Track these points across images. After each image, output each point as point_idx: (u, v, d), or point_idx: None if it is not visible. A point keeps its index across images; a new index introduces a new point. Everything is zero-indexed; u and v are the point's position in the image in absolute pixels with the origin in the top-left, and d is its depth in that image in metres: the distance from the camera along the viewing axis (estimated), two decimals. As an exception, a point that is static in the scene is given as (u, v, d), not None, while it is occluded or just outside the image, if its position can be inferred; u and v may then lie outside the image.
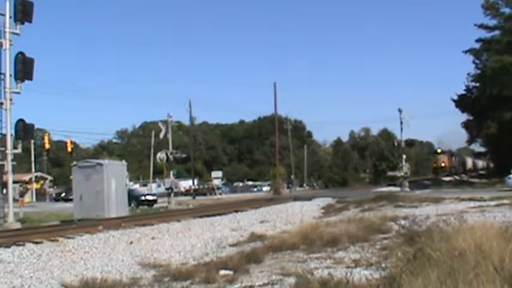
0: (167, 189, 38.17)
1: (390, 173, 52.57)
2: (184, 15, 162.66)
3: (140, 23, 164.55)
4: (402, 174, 41.15)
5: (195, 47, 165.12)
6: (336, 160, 75.45)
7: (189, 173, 67.67)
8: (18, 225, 18.73)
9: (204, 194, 58.38)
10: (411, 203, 19.84)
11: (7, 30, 19.63)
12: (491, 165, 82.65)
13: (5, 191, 19.81)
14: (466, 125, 59.16)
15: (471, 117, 55.55)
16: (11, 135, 19.96)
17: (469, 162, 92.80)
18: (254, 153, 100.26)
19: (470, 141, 66.74)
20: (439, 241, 6.74)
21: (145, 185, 63.69)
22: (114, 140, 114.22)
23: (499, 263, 5.03)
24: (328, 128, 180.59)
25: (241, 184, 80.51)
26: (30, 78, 20.09)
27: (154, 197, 38.52)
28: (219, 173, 70.09)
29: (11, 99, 19.74)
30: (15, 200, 22.97)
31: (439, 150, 71.00)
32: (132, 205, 31.70)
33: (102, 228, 14.19)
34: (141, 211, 30.86)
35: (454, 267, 5.01)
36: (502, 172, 39.11)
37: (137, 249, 11.78)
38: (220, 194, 61.20)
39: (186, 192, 56.47)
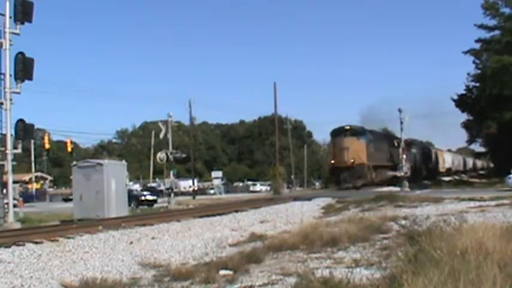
0: (167, 189, 38.18)
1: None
2: (185, 15, 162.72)
3: (140, 23, 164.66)
4: (402, 174, 41.07)
5: (195, 47, 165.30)
6: (336, 160, 75.27)
7: (189, 173, 67.69)
8: (18, 225, 18.73)
9: (201, 194, 58.38)
10: (411, 203, 19.81)
11: (7, 30, 19.62)
12: (491, 165, 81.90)
13: (5, 191, 19.80)
14: (466, 125, 59.14)
15: (471, 117, 55.53)
16: (11, 135, 19.95)
17: (446, 159, 68.62)
18: (254, 153, 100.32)
19: (470, 141, 66.70)
20: (439, 241, 6.73)
21: (145, 185, 63.68)
22: (114, 140, 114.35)
23: (500, 263, 5.02)
24: (328, 128, 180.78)
25: (241, 184, 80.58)
26: (30, 78, 20.09)
27: (154, 197, 38.52)
28: (219, 173, 70.07)
29: (11, 99, 19.74)
30: (15, 200, 22.97)
31: (347, 127, 38.81)
32: (132, 205, 31.70)
33: (102, 228, 14.18)
34: (141, 211, 30.84)
35: (455, 267, 5.00)
36: (502, 172, 39.08)
37: (137, 249, 11.77)
38: (220, 193, 61.17)
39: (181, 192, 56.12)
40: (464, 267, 4.90)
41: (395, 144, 48.44)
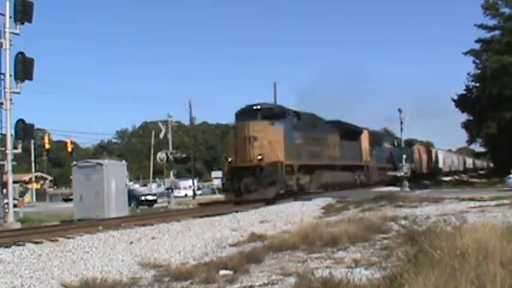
0: (167, 189, 38.26)
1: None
2: (184, 14, 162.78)
3: (140, 23, 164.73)
4: (402, 174, 41.06)
5: (195, 47, 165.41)
6: (336, 160, 74.92)
7: (189, 173, 67.73)
8: (18, 225, 18.74)
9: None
10: (411, 203, 19.78)
11: (7, 30, 19.63)
12: (491, 165, 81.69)
13: (5, 191, 19.81)
14: (466, 125, 59.15)
15: (471, 117, 55.54)
16: (11, 135, 19.97)
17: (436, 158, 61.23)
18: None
19: (470, 141, 66.71)
20: (440, 241, 6.73)
21: (145, 185, 63.72)
22: (114, 140, 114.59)
23: (500, 263, 5.02)
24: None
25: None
26: (30, 78, 20.10)
27: (154, 197, 38.57)
28: (219, 173, 70.01)
29: (11, 99, 19.76)
30: (15, 200, 23.00)
31: (257, 107, 25.62)
32: (132, 205, 31.74)
33: (102, 228, 14.17)
34: (141, 211, 30.86)
35: (456, 267, 5.00)
36: (502, 172, 39.09)
37: (137, 249, 11.76)
38: (214, 193, 61.17)
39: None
40: (465, 267, 4.90)
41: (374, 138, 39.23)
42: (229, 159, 24.49)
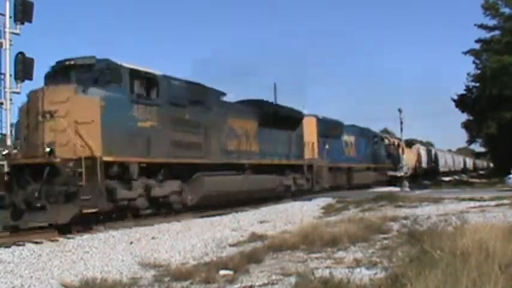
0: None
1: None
2: (184, 14, 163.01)
3: (140, 23, 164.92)
4: (402, 174, 41.11)
5: (195, 46, 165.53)
6: (336, 160, 74.69)
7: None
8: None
9: None
10: (411, 203, 19.79)
11: (7, 30, 19.68)
12: (491, 165, 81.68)
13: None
14: (466, 125, 59.18)
15: (471, 117, 55.56)
16: (11, 135, 19.98)
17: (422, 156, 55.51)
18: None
19: (470, 141, 66.74)
20: (440, 241, 6.73)
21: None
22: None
23: (501, 263, 5.02)
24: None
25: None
26: (30, 78, 20.12)
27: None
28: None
29: (11, 99, 19.80)
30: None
31: (70, 62, 14.04)
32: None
33: (102, 228, 14.16)
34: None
35: (457, 267, 5.00)
36: (502, 172, 39.11)
37: (137, 249, 11.75)
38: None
39: None
40: (466, 268, 4.90)
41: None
42: (5, 152, 15.19)
